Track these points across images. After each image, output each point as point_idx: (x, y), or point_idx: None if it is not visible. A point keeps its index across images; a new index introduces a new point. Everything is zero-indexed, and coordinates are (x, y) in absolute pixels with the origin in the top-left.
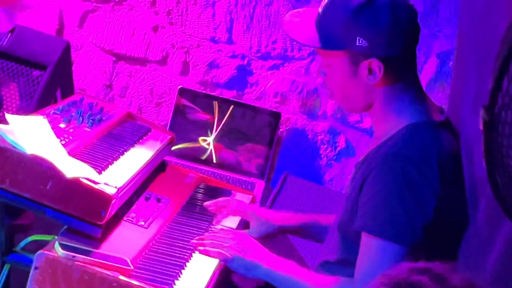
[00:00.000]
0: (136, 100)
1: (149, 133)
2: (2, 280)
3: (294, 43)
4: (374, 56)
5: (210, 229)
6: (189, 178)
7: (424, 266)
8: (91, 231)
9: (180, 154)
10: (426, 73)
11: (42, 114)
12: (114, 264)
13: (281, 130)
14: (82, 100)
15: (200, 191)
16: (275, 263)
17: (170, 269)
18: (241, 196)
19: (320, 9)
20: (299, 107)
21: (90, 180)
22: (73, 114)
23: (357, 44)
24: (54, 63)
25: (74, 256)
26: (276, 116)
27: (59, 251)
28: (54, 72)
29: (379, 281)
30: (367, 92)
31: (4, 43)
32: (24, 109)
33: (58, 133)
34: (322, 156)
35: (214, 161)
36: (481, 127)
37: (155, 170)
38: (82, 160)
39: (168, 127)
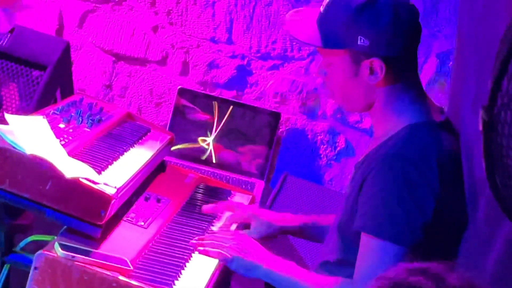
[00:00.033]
0: (136, 100)
1: (148, 133)
2: (2, 280)
3: (294, 43)
4: (375, 56)
5: (209, 229)
6: (188, 178)
7: (421, 267)
8: (90, 231)
9: (180, 154)
10: (425, 73)
11: (42, 114)
12: (114, 264)
13: (280, 130)
14: (82, 100)
15: (199, 191)
16: (275, 263)
17: (169, 269)
18: (240, 196)
19: (321, 8)
20: (299, 107)
21: (90, 180)
22: (72, 114)
23: (359, 43)
24: (53, 63)
25: (73, 256)
26: (276, 116)
27: (59, 251)
28: (53, 72)
29: (377, 282)
30: (368, 91)
31: (4, 43)
32: (23, 109)
33: (58, 133)
34: (322, 156)
35: (214, 161)
36: (480, 127)
37: (155, 170)
38: (81, 160)
39: (167, 127)
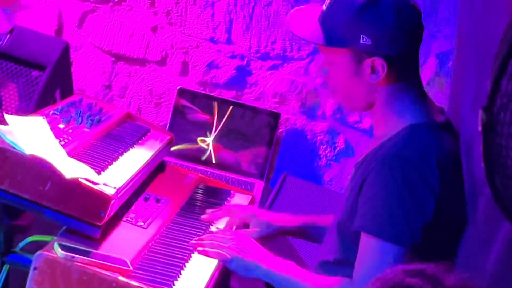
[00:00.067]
0: (135, 100)
1: (148, 134)
2: (1, 281)
3: (294, 43)
4: (377, 55)
5: (209, 229)
6: (188, 178)
7: (417, 268)
8: (90, 231)
9: (180, 155)
10: (425, 73)
11: (41, 115)
12: (113, 265)
13: (280, 130)
14: (81, 100)
15: (199, 192)
16: (275, 263)
17: (169, 270)
18: (240, 197)
19: (324, 6)
20: (299, 107)
21: (89, 181)
22: (72, 114)
23: (361, 42)
24: (53, 64)
25: (73, 257)
26: (276, 116)
27: (58, 252)
28: (53, 73)
29: (374, 285)
30: (369, 91)
31: (3, 44)
32: (23, 110)
33: (57, 133)
34: (321, 156)
35: (214, 161)
36: (479, 127)
37: (155, 170)
38: (81, 161)
39: (167, 128)
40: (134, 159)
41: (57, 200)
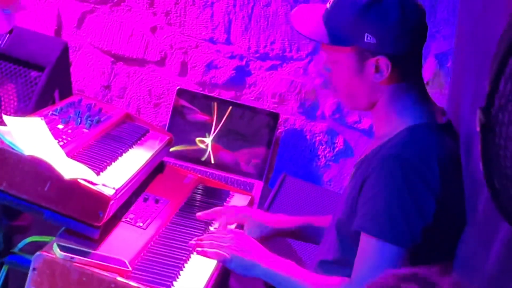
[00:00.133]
0: (135, 101)
1: (147, 134)
2: (1, 281)
3: (293, 44)
4: (381, 54)
5: (208, 230)
6: (187, 179)
7: (410, 272)
8: (89, 232)
9: (179, 155)
10: (424, 73)
11: (40, 115)
12: (112, 266)
13: (279, 130)
14: (80, 101)
15: (198, 192)
16: (274, 262)
17: (168, 270)
18: (239, 197)
19: (328, 5)
20: (298, 107)
21: (88, 181)
22: (71, 115)
23: (365, 40)
24: (52, 64)
25: (72, 257)
26: (275, 116)
27: (57, 252)
28: (52, 73)
29: None
30: (372, 90)
31: (2, 44)
32: (22, 110)
33: (56, 134)
34: (321, 156)
35: (213, 162)
36: (478, 128)
37: (154, 171)
38: (80, 161)
39: (166, 128)
40: (133, 160)
41: (56, 201)
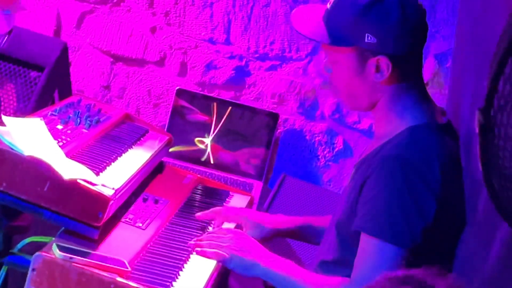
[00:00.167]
0: (134, 101)
1: (147, 134)
2: (0, 282)
3: (292, 44)
4: (382, 54)
5: (207, 230)
6: (187, 179)
7: (407, 275)
8: (88, 232)
9: (178, 155)
10: (424, 73)
11: (40, 116)
12: (112, 266)
13: (279, 131)
14: (80, 101)
15: (198, 192)
16: (274, 262)
17: (167, 271)
18: (239, 197)
19: (328, 5)
20: (297, 108)
21: (88, 182)
22: (70, 115)
23: (366, 40)
24: (51, 65)
25: (71, 258)
26: (274, 117)
27: (57, 253)
28: (51, 74)
29: None
30: (372, 90)
31: (2, 45)
32: (21, 111)
33: (56, 134)
34: (320, 157)
35: (212, 162)
36: (477, 129)
37: (153, 171)
38: (79, 162)
39: (166, 128)
40: (133, 160)
41: (55, 201)
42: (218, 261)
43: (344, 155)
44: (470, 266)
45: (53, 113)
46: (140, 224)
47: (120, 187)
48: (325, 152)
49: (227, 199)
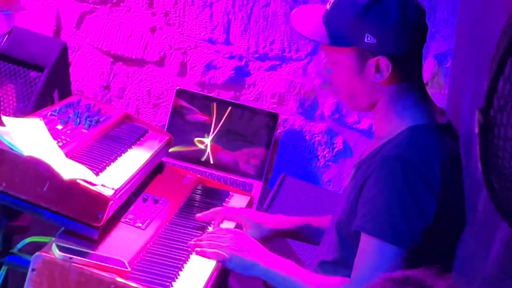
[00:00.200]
0: (134, 101)
1: (146, 134)
2: (0, 282)
3: (292, 44)
4: (382, 54)
5: (207, 230)
6: (186, 179)
7: (405, 275)
8: (88, 232)
9: (178, 156)
10: (423, 74)
11: (39, 116)
12: (112, 266)
13: (279, 131)
14: (80, 101)
15: (197, 193)
16: (274, 262)
17: (167, 271)
18: (238, 197)
19: (328, 6)
20: (297, 108)
21: (87, 182)
22: (70, 115)
23: (366, 41)
24: (51, 65)
25: (71, 258)
26: (274, 117)
27: (56, 253)
28: (51, 74)
29: None
30: (372, 90)
31: (2, 45)
32: (21, 111)
33: (55, 134)
34: (320, 157)
35: (212, 162)
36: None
37: (153, 171)
38: (79, 162)
39: (165, 128)
40: (133, 160)
41: (55, 201)
42: (218, 261)
43: (344, 155)
44: (470, 266)
45: (53, 113)
46: (140, 224)
47: (120, 187)
48: (325, 152)
49: (227, 199)
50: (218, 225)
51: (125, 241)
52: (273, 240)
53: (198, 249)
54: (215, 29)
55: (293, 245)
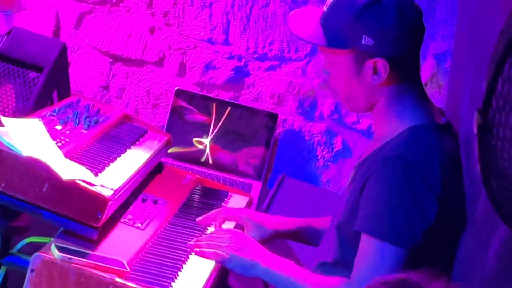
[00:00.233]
0: (133, 101)
1: (145, 135)
2: None
3: (291, 44)
4: (379, 55)
5: (206, 230)
6: (186, 179)
7: (400, 278)
8: (87, 233)
9: (177, 156)
10: (423, 74)
11: (39, 116)
12: (111, 266)
13: (278, 131)
14: (79, 101)
15: (196, 193)
16: (273, 262)
17: (166, 271)
18: (238, 198)
19: (325, 8)
20: (296, 108)
21: (87, 182)
22: (69, 116)
23: (363, 42)
24: (50, 65)
25: (70, 258)
26: (273, 117)
27: (56, 253)
28: (50, 74)
29: None
30: (371, 91)
31: (1, 45)
32: (20, 111)
33: (55, 135)
34: (319, 157)
35: (211, 162)
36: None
37: (152, 171)
38: (78, 162)
39: (165, 129)
40: (132, 161)
41: (54, 202)
42: (218, 262)
43: (343, 155)
44: (469, 266)
45: (52, 113)
46: (139, 225)
47: (119, 187)
48: (324, 152)
49: (226, 200)
50: (220, 226)
51: (124, 241)
52: (273, 240)
53: (198, 249)
54: (214, 29)
55: (293, 245)
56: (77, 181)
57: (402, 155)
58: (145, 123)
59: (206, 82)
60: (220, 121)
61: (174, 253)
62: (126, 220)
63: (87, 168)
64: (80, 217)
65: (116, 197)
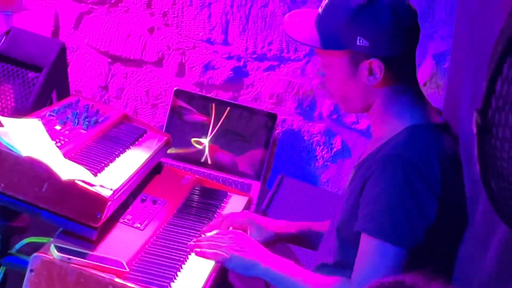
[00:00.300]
0: (132, 101)
1: (145, 135)
2: None
3: (290, 44)
4: (374, 56)
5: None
6: (185, 179)
7: (396, 281)
8: (86, 233)
9: (176, 156)
10: (422, 74)
11: (38, 116)
12: (110, 267)
13: (277, 131)
14: (78, 102)
15: (196, 193)
16: (274, 262)
17: (166, 271)
18: (237, 198)
19: (320, 9)
20: (295, 108)
21: (86, 182)
22: (68, 116)
23: (358, 44)
24: (49, 65)
25: (69, 259)
26: (272, 117)
27: (55, 254)
28: (49, 74)
29: None
30: (367, 92)
31: (0, 45)
32: (19, 111)
33: (54, 135)
34: (318, 157)
35: (210, 162)
36: (474, 130)
37: (151, 172)
38: (77, 162)
39: (164, 129)
40: (131, 161)
41: (53, 202)
42: (218, 262)
43: (342, 155)
44: (469, 266)
45: (51, 113)
46: (138, 225)
47: (118, 187)
48: (323, 152)
49: (225, 200)
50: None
51: (124, 241)
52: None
53: (198, 249)
54: (213, 29)
55: (293, 246)
56: (76, 181)
57: (402, 155)
58: (144, 123)
59: (205, 82)
60: (219, 121)
61: (173, 253)
62: (125, 220)
63: (86, 168)
64: (79, 217)
65: (115, 197)
